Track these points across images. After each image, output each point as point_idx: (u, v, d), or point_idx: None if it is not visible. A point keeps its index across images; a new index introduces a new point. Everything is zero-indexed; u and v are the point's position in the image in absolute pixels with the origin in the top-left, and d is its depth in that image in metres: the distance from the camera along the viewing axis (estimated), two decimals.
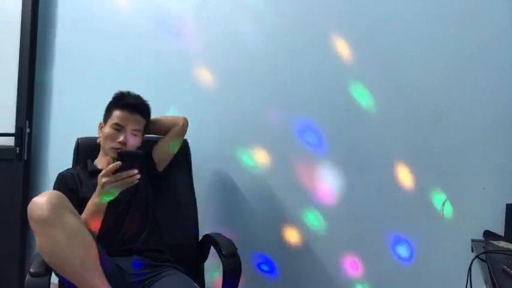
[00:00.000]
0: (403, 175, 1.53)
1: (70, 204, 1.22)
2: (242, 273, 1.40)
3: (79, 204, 1.36)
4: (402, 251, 1.54)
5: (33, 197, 1.18)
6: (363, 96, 1.60)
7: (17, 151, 2.26)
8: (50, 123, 2.35)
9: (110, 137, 1.46)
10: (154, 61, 2.03)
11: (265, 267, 1.79)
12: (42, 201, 1.15)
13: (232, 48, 1.86)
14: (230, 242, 1.47)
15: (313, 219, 1.69)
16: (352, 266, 1.62)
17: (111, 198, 1.29)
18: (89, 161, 1.56)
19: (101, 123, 1.55)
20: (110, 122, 1.49)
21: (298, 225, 1.72)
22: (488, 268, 1.01)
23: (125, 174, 1.25)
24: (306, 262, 1.71)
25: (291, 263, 1.74)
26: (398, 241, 1.54)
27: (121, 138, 1.45)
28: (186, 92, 1.95)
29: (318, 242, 1.69)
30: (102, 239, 1.33)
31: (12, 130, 2.27)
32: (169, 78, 2.00)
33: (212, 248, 1.55)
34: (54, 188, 1.43)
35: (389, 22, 1.56)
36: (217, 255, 1.46)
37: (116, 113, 1.49)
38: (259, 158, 1.79)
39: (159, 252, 1.45)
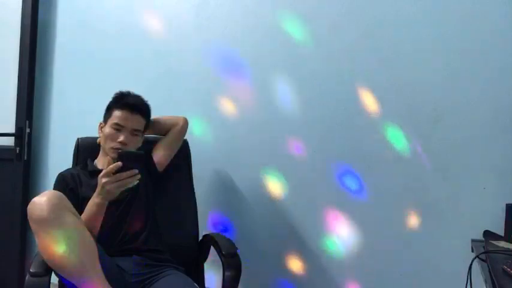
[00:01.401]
0: (403, 175, 1.53)
1: (70, 204, 1.22)
2: (242, 273, 1.40)
3: (79, 204, 1.36)
4: (401, 251, 1.53)
5: (33, 197, 1.18)
6: (362, 97, 1.59)
7: (17, 151, 2.26)
8: (50, 123, 2.35)
9: (110, 137, 1.46)
10: (154, 61, 2.03)
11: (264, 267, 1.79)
12: (42, 201, 1.15)
13: (232, 49, 1.85)
14: (230, 242, 1.48)
15: (314, 221, 1.69)
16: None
17: (111, 198, 1.29)
18: (89, 161, 1.56)
19: (101, 123, 1.55)
20: (110, 122, 1.49)
21: (299, 226, 1.72)
22: (488, 268, 1.01)
23: (125, 174, 1.25)
24: (306, 259, 1.71)
25: (288, 261, 1.74)
26: (399, 241, 1.54)
27: (121, 138, 1.45)
28: (186, 92, 1.96)
29: (318, 242, 1.69)
30: (102, 239, 1.33)
31: (12, 130, 2.28)
32: (169, 78, 2.00)
33: (212, 248, 1.55)
34: (54, 188, 1.43)
35: (389, 22, 1.56)
36: (217, 255, 1.46)
37: (116, 113, 1.49)
38: (259, 157, 1.79)
39: (159, 252, 1.45)
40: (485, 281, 1.00)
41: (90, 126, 1.60)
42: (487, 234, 1.33)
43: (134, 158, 1.29)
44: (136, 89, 1.58)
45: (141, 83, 1.92)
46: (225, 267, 1.39)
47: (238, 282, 1.39)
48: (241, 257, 1.42)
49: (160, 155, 1.62)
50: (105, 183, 1.25)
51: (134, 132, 1.49)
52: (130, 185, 1.27)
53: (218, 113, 1.87)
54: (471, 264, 1.09)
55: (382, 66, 1.56)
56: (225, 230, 1.84)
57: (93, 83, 2.20)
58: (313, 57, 1.68)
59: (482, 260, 1.10)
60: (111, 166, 1.25)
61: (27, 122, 2.26)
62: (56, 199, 1.17)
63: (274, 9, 1.77)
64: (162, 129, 1.65)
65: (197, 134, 1.85)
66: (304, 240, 1.71)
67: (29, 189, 2.30)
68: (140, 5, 2.08)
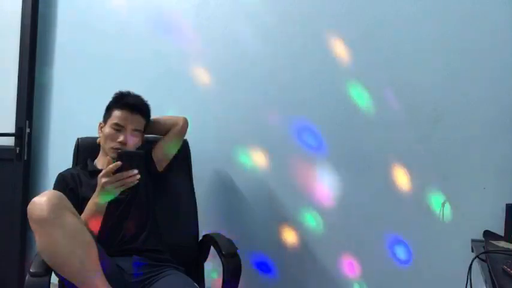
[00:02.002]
0: (402, 175, 1.53)
1: (70, 204, 1.22)
2: (242, 273, 1.40)
3: (79, 204, 1.36)
4: (401, 251, 1.53)
5: (33, 197, 1.18)
6: (362, 97, 1.59)
7: (17, 151, 2.26)
8: (50, 123, 2.35)
9: (110, 137, 1.46)
10: (154, 61, 2.03)
11: (263, 267, 1.78)
12: (42, 201, 1.15)
13: (232, 49, 1.85)
14: (230, 242, 1.47)
15: (312, 220, 1.69)
16: (350, 266, 1.62)
17: (111, 198, 1.29)
18: (89, 161, 1.56)
19: (101, 123, 1.55)
20: (110, 122, 1.49)
21: (297, 226, 1.72)
22: (488, 268, 1.01)
23: (125, 174, 1.25)
24: (304, 262, 1.71)
25: (289, 263, 1.74)
26: (398, 241, 1.54)
27: (121, 138, 1.45)
28: (186, 92, 1.95)
29: (316, 243, 1.69)
30: (102, 239, 1.33)
31: (12, 130, 2.27)
32: (169, 78, 2.00)
33: (212, 248, 1.55)
34: (54, 188, 1.43)
35: (389, 22, 1.56)
36: (217, 255, 1.46)
37: (116, 113, 1.49)
38: (259, 158, 1.79)
39: (159, 252, 1.45)
40: (485, 281, 1.00)
41: (90, 126, 1.60)
42: (487, 234, 1.33)
43: (134, 158, 1.29)
44: (136, 89, 1.58)
45: (141, 83, 1.91)
46: (225, 267, 1.39)
47: (238, 282, 1.39)
48: (241, 257, 1.42)
49: (160, 155, 1.62)
50: (105, 183, 1.25)
51: (134, 132, 1.49)
52: (130, 185, 1.27)
53: (218, 113, 1.87)
54: (471, 264, 1.09)
55: (382, 66, 1.56)
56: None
57: (93, 83, 2.20)
58: (312, 58, 1.68)
59: (482, 260, 1.10)
60: (110, 166, 1.25)
61: (27, 122, 2.26)
62: (56, 199, 1.17)
63: (273, 10, 1.77)
64: (162, 129, 1.64)
65: (197, 134, 1.85)
66: (303, 240, 1.71)
67: (29, 189, 2.30)
68: (140, 5, 2.08)
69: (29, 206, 1.16)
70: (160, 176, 1.61)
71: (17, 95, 2.28)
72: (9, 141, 2.30)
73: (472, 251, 1.29)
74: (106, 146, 1.48)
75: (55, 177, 1.49)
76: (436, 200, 1.48)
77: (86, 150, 1.64)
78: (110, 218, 1.37)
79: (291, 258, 1.73)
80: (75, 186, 1.45)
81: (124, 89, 1.56)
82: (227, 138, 1.86)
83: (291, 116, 1.72)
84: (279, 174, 1.76)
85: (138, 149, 1.50)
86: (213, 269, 1.76)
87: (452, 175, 1.46)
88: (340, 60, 1.64)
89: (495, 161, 1.40)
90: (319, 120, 1.68)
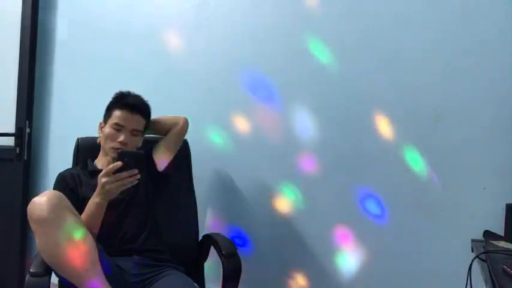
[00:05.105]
0: (402, 175, 1.53)
1: (70, 204, 1.22)
2: (242, 273, 1.40)
3: (79, 204, 1.36)
4: (401, 251, 1.53)
5: (33, 197, 1.18)
6: (362, 97, 1.59)
7: (17, 151, 2.26)
8: (50, 123, 2.35)
9: (110, 137, 1.46)
10: (155, 61, 2.04)
11: (263, 267, 1.79)
12: (42, 201, 1.15)
13: (232, 49, 1.86)
14: (230, 242, 1.48)
15: (313, 219, 1.69)
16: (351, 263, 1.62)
17: (111, 198, 1.29)
18: (89, 161, 1.56)
19: (101, 123, 1.55)
20: (110, 122, 1.49)
21: (298, 226, 1.72)
22: (488, 268, 1.01)
23: (125, 174, 1.25)
24: (305, 260, 1.71)
25: (290, 262, 1.74)
26: (397, 241, 1.54)
27: (121, 138, 1.45)
28: (186, 92, 1.96)
29: (317, 241, 1.69)
30: (102, 239, 1.33)
31: (12, 130, 2.28)
32: (169, 78, 2.00)
33: (212, 248, 1.55)
34: (54, 188, 1.43)
35: (389, 22, 1.56)
36: (217, 255, 1.46)
37: (116, 113, 1.49)
38: (259, 158, 1.79)
39: (159, 252, 1.45)
40: (485, 281, 1.00)
41: (90, 126, 1.60)
42: (487, 234, 1.33)
43: (134, 158, 1.29)
44: (136, 89, 1.58)
45: (141, 83, 1.92)
46: (225, 267, 1.39)
47: (238, 282, 1.39)
48: (241, 257, 1.42)
49: (160, 155, 1.62)
50: (105, 183, 1.25)
51: (134, 132, 1.49)
52: (130, 185, 1.28)
53: (218, 113, 1.87)
54: (471, 264, 1.09)
55: (382, 66, 1.56)
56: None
57: (93, 82, 2.20)
58: (313, 57, 1.68)
59: (482, 260, 1.10)
60: (110, 166, 1.26)
61: (27, 122, 2.26)
62: (56, 199, 1.18)
63: (273, 10, 1.77)
64: (162, 129, 1.65)
65: (197, 134, 1.85)
66: (304, 239, 1.71)
67: (29, 189, 2.30)
68: (140, 5, 2.08)
69: (29, 206, 1.16)
70: (160, 176, 1.61)
71: (17, 95, 2.29)
72: (9, 141, 2.30)
73: (472, 251, 1.29)
74: (106, 146, 1.48)
75: (55, 177, 1.49)
76: (437, 199, 1.48)
77: (86, 150, 1.64)
78: (110, 218, 1.37)
79: (291, 258, 1.73)
80: (75, 186, 1.45)
81: (124, 88, 1.56)
82: (227, 138, 1.86)
83: (292, 116, 1.72)
84: (279, 174, 1.76)
85: (138, 149, 1.50)
86: (213, 269, 1.76)
87: (452, 175, 1.45)
88: (340, 60, 1.64)
89: (495, 161, 1.40)
90: (320, 119, 1.67)
